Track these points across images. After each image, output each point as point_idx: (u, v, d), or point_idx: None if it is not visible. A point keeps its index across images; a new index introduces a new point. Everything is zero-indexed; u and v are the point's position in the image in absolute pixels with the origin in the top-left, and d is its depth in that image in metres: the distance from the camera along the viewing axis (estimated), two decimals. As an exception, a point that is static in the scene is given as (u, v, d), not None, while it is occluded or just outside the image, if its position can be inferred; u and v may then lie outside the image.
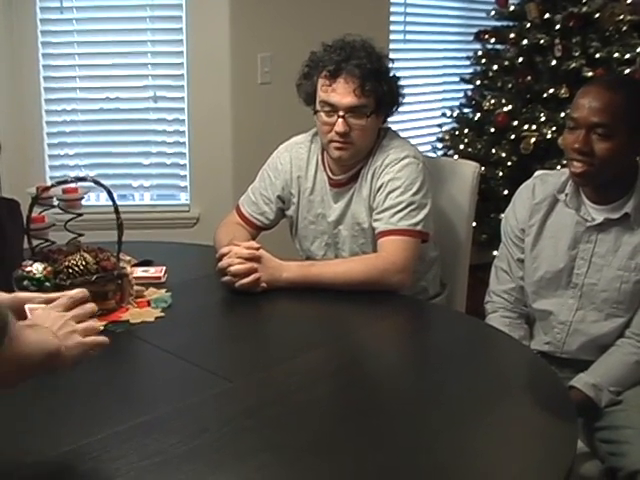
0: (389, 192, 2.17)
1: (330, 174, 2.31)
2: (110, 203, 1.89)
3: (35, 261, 1.82)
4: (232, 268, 2.02)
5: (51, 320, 1.21)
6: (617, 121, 1.84)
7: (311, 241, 2.37)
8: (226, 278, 2.03)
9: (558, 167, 3.55)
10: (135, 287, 1.94)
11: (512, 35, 4.20)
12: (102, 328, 1.35)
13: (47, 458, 1.23)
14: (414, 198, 2.16)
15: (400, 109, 2.32)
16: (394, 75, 2.25)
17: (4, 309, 1.04)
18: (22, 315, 1.26)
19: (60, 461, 1.22)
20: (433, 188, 2.27)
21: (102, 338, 1.27)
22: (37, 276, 1.76)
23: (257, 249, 2.07)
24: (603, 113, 1.84)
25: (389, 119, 2.32)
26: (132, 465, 1.20)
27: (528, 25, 4.14)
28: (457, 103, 4.65)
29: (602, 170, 1.88)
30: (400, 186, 2.16)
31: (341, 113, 2.15)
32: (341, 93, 2.15)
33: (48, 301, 1.33)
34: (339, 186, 2.29)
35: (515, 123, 4.07)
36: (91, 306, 1.29)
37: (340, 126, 2.15)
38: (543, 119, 3.98)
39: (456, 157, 4.18)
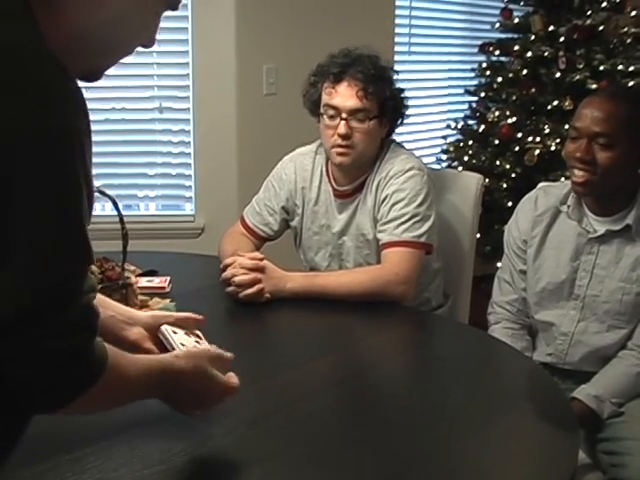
0: (393, 204, 2.18)
1: (335, 185, 2.32)
2: (115, 213, 1.90)
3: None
4: (236, 278, 2.03)
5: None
6: (619, 131, 1.85)
7: (315, 252, 2.38)
8: (230, 288, 2.04)
9: (562, 179, 3.54)
10: (139, 297, 1.95)
11: (516, 47, 4.21)
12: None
13: (50, 466, 1.23)
14: (418, 210, 2.17)
15: (405, 120, 2.33)
16: (398, 87, 2.27)
17: (103, 347, 1.04)
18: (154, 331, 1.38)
19: (63, 468, 1.22)
20: (437, 200, 2.28)
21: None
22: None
23: (261, 260, 2.08)
24: (605, 123, 1.85)
25: (394, 130, 2.33)
26: (135, 473, 1.21)
27: (532, 37, 4.15)
28: (461, 115, 4.66)
29: (604, 180, 1.89)
30: (404, 198, 2.17)
31: (344, 115, 2.16)
32: (344, 96, 2.16)
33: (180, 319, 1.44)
34: (343, 197, 2.30)
35: (519, 135, 4.08)
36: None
37: (342, 128, 2.15)
38: (547, 131, 3.98)
39: (460, 169, 4.18)
